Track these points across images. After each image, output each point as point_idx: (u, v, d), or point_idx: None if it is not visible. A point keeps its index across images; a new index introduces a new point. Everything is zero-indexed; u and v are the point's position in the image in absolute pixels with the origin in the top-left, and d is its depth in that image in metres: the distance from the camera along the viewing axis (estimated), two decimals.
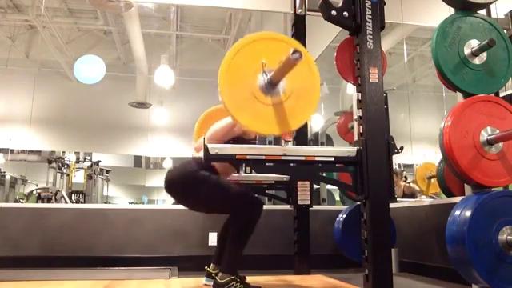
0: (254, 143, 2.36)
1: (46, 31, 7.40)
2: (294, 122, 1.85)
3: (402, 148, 2.55)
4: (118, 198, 10.91)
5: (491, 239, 1.80)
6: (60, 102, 8.25)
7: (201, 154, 2.21)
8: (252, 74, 1.81)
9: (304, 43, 3.10)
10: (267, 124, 1.80)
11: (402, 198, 4.64)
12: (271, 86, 1.81)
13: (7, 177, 7.59)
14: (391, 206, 2.01)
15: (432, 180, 4.04)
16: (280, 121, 1.81)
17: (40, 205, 5.27)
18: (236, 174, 2.44)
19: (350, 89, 4.77)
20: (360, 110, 2.07)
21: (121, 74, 8.24)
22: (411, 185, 4.61)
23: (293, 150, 2.00)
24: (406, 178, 4.77)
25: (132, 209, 3.95)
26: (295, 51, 1.62)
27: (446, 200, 2.96)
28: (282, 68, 1.72)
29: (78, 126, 8.26)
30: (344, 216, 3.12)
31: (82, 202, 7.58)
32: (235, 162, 2.13)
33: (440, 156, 2.56)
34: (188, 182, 2.10)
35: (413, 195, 4.65)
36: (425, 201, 3.49)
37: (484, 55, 2.14)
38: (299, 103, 1.86)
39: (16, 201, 7.17)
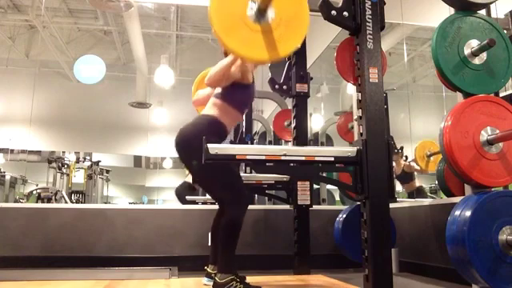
0: (253, 87, 2.39)
1: (45, 31, 7.40)
2: (283, 49, 1.88)
3: (401, 148, 2.55)
4: (118, 198, 10.91)
5: (491, 239, 1.80)
6: (60, 102, 8.26)
7: (208, 111, 2.28)
8: (242, 2, 1.85)
9: (304, 43, 3.10)
10: (256, 49, 1.83)
11: (401, 175, 4.66)
12: (260, 14, 1.85)
13: (7, 177, 7.59)
14: (391, 206, 2.00)
15: (431, 158, 4.03)
16: (269, 47, 1.84)
17: (40, 205, 5.27)
18: None
19: (350, 89, 4.78)
20: (360, 110, 2.07)
21: (121, 74, 8.24)
22: (411, 163, 4.61)
23: (293, 150, 2.00)
24: (406, 157, 4.76)
25: (132, 209, 3.95)
26: None
27: (446, 200, 2.96)
28: None
29: (77, 126, 8.27)
30: (344, 216, 3.12)
31: (81, 202, 7.59)
32: (239, 92, 2.28)
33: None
34: (197, 145, 2.03)
35: (411, 174, 4.65)
36: (425, 201, 3.48)
37: (484, 55, 2.14)
38: (288, 30, 1.89)
39: (16, 201, 7.17)
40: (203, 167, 2.10)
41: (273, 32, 1.86)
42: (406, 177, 4.71)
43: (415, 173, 4.68)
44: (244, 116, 3.71)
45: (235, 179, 2.24)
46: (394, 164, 2.48)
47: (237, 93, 2.29)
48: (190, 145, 2.10)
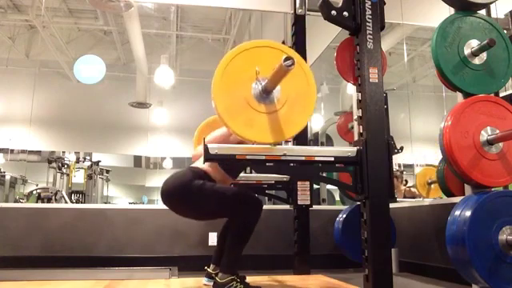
0: None
1: (45, 31, 7.40)
2: (288, 131, 1.84)
3: (401, 148, 2.55)
4: (118, 198, 10.91)
5: (491, 239, 1.80)
6: (60, 101, 8.25)
7: (197, 164, 2.21)
8: (246, 82, 1.80)
9: (304, 43, 3.10)
10: (260, 132, 1.78)
11: None
12: (265, 94, 1.80)
13: (7, 177, 7.58)
14: (391, 206, 2.00)
15: (432, 186, 4.04)
16: (274, 129, 1.79)
17: (40, 205, 5.27)
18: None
19: (350, 89, 4.77)
20: (360, 110, 2.07)
21: (121, 74, 8.24)
22: (412, 189, 4.61)
23: (293, 150, 2.00)
24: (406, 181, 4.76)
25: (132, 209, 3.95)
26: (287, 58, 1.61)
27: (446, 200, 2.96)
28: (275, 75, 1.70)
29: (78, 126, 8.26)
30: (344, 216, 3.12)
31: (81, 202, 7.59)
32: (234, 162, 2.11)
33: (440, 157, 2.56)
34: (183, 193, 2.07)
35: (413, 198, 4.64)
36: (425, 201, 3.49)
37: (484, 55, 2.14)
38: (294, 111, 1.84)
39: (16, 201, 7.16)
40: (196, 208, 2.10)
41: (278, 112, 1.81)
42: None
43: (417, 197, 4.67)
44: None
45: (234, 193, 2.15)
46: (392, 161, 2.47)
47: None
48: (179, 190, 2.08)
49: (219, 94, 1.77)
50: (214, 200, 2.09)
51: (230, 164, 2.21)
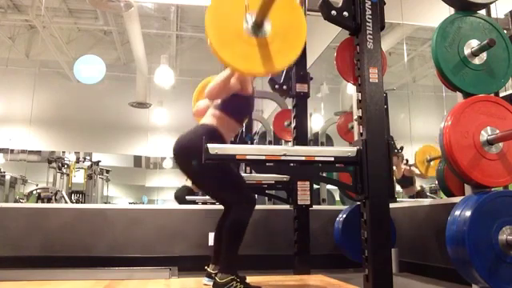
0: (252, 98, 2.39)
1: (45, 31, 7.40)
2: (279, 62, 1.88)
3: (402, 148, 2.55)
4: (118, 198, 10.91)
5: (491, 239, 1.80)
6: (60, 102, 8.26)
7: (205, 120, 2.28)
8: (238, 16, 1.85)
9: (304, 43, 3.10)
10: (252, 62, 1.83)
11: (402, 179, 4.66)
12: (256, 27, 1.85)
13: (7, 177, 7.58)
14: (391, 205, 2.00)
15: (431, 163, 4.04)
16: (265, 60, 1.84)
17: (40, 205, 5.27)
18: None
19: (350, 89, 4.78)
20: (360, 110, 2.07)
21: (121, 74, 8.24)
22: (412, 168, 4.60)
23: (293, 150, 2.00)
24: (407, 160, 4.75)
25: (132, 209, 3.95)
26: None
27: (446, 200, 2.96)
28: (263, 3, 1.74)
29: (78, 126, 8.27)
30: (344, 216, 3.12)
31: (81, 202, 7.59)
32: (237, 103, 2.27)
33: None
34: (191, 157, 2.09)
35: (412, 178, 4.66)
36: (425, 201, 3.48)
37: (484, 55, 2.14)
38: (285, 44, 1.89)
39: (16, 201, 7.17)
40: (203, 171, 2.12)
41: (269, 45, 1.86)
42: (407, 181, 4.71)
43: (415, 177, 4.68)
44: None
45: (236, 179, 2.24)
46: (394, 168, 2.47)
47: (236, 104, 2.29)
48: (189, 152, 2.11)
49: (212, 29, 1.82)
50: (216, 177, 2.15)
51: (235, 109, 2.28)
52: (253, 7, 1.84)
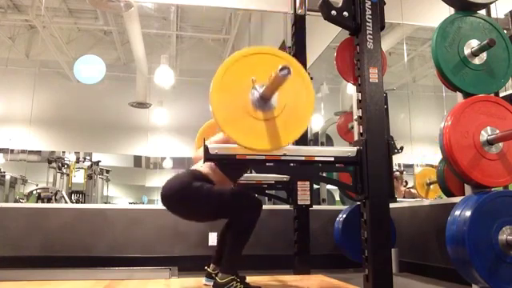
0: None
1: (45, 31, 7.40)
2: (286, 137, 1.82)
3: (402, 148, 2.55)
4: (118, 198, 10.91)
5: (491, 239, 1.80)
6: (60, 101, 8.25)
7: (196, 167, 2.22)
8: (244, 90, 1.79)
9: (304, 43, 3.10)
10: (258, 139, 1.77)
11: None
12: (263, 101, 1.79)
13: (7, 177, 7.58)
14: (391, 206, 2.00)
15: (431, 186, 4.06)
16: (272, 136, 1.78)
17: (40, 205, 5.27)
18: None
19: (350, 89, 4.77)
20: (360, 110, 2.07)
21: (121, 74, 8.24)
22: (411, 190, 4.61)
23: (293, 150, 2.00)
24: (406, 182, 4.77)
25: (132, 209, 3.95)
26: (283, 68, 1.59)
27: (446, 200, 2.96)
28: (272, 84, 1.70)
29: (78, 126, 8.26)
30: (344, 216, 3.12)
31: (81, 202, 7.59)
32: (234, 165, 2.16)
33: (440, 156, 2.55)
34: (182, 195, 2.08)
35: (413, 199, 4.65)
36: (425, 201, 3.48)
37: (484, 55, 2.14)
38: (292, 118, 1.83)
39: (16, 201, 7.16)
40: (196, 210, 2.11)
41: (276, 119, 1.80)
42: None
43: (417, 198, 4.68)
44: None
45: (233, 193, 2.17)
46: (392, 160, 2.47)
47: (234, 164, 2.21)
48: (177, 197, 2.09)
49: (217, 103, 1.76)
50: (212, 201, 2.09)
51: (230, 168, 2.21)
52: (260, 77, 1.77)
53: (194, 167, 2.27)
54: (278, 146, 1.82)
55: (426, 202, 3.12)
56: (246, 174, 3.22)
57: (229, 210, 2.14)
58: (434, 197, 3.98)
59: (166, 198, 2.14)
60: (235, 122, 1.76)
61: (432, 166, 4.53)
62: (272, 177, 3.01)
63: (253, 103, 1.79)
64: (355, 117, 2.49)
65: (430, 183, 4.08)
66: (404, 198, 4.62)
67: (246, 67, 1.83)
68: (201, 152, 2.34)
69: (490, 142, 1.99)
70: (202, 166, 2.18)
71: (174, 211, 2.17)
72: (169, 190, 2.13)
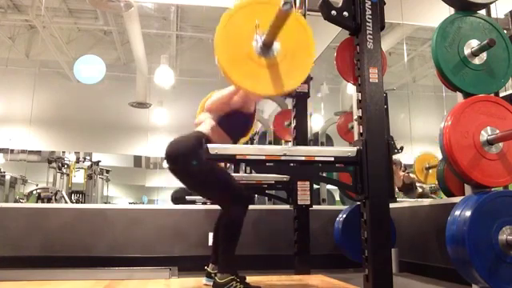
0: (252, 118, 2.39)
1: (45, 31, 7.40)
2: (288, 83, 1.86)
3: (402, 148, 2.55)
4: (118, 198, 10.91)
5: (491, 239, 1.80)
6: (60, 101, 8.25)
7: (200, 128, 2.26)
8: (247, 36, 1.83)
9: None
10: (261, 84, 1.82)
11: (402, 187, 4.67)
12: (265, 48, 1.83)
13: (7, 177, 7.58)
14: (391, 205, 2.00)
15: (430, 170, 4.05)
16: (274, 81, 1.83)
17: (40, 205, 5.27)
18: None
19: (350, 89, 4.78)
20: (360, 110, 2.07)
21: (121, 74, 8.24)
22: (410, 175, 4.62)
23: (293, 150, 2.00)
24: (405, 167, 4.77)
25: (132, 209, 3.95)
26: (285, 2, 1.63)
27: (446, 200, 2.96)
28: (275, 24, 1.73)
29: (78, 126, 8.26)
30: (344, 216, 3.12)
31: (81, 202, 7.59)
32: (235, 120, 2.27)
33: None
34: (184, 161, 2.10)
35: (412, 184, 4.67)
36: (425, 201, 3.48)
37: (484, 55, 2.14)
38: (293, 64, 1.87)
39: (16, 201, 7.16)
40: (195, 174, 2.12)
41: (278, 65, 1.84)
42: (408, 188, 4.72)
43: (416, 183, 4.69)
44: None
45: (230, 179, 2.23)
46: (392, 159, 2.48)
47: (234, 121, 2.28)
48: (180, 154, 2.11)
49: (221, 48, 1.80)
50: (208, 184, 2.15)
51: (231, 125, 2.27)
52: (263, 27, 1.82)
53: (197, 128, 2.30)
54: (281, 91, 1.86)
55: (426, 202, 3.12)
56: (246, 174, 3.23)
57: (218, 198, 2.24)
58: (434, 182, 3.97)
59: (168, 159, 2.17)
60: (239, 67, 1.80)
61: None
62: (272, 177, 3.01)
63: (256, 50, 1.83)
64: (355, 117, 2.49)
65: (429, 167, 4.07)
66: (403, 183, 4.64)
67: (250, 15, 1.87)
68: (201, 117, 2.43)
69: (490, 142, 1.99)
70: (205, 128, 2.24)
71: (174, 173, 2.19)
72: (173, 152, 2.15)
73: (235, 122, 2.29)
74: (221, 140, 2.24)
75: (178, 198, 5.12)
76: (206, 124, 2.28)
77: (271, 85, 1.82)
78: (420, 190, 4.82)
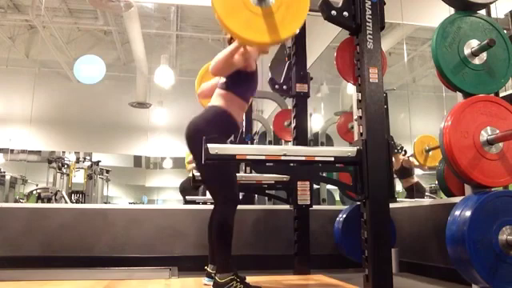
0: (256, 75, 2.39)
1: (46, 31, 7.41)
2: (283, 31, 1.89)
3: (402, 148, 2.55)
4: (118, 198, 10.91)
5: (491, 239, 1.80)
6: (60, 101, 8.26)
7: (214, 102, 2.29)
8: None
9: (304, 43, 3.11)
10: (257, 32, 1.85)
11: (400, 170, 4.67)
12: None
13: (7, 177, 7.58)
14: (391, 206, 2.00)
15: (430, 153, 4.03)
16: (270, 30, 1.87)
17: (40, 205, 5.27)
18: None
19: (350, 89, 4.78)
20: (360, 110, 2.07)
21: (121, 74, 8.25)
22: (410, 159, 4.61)
23: (293, 150, 2.00)
24: (405, 151, 4.76)
25: (132, 209, 3.95)
26: None
27: (446, 200, 2.96)
28: None
29: (78, 126, 8.27)
30: (344, 216, 3.12)
31: (82, 202, 7.59)
32: (243, 80, 2.28)
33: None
34: (193, 149, 2.13)
35: (411, 169, 4.66)
36: (425, 201, 3.49)
37: (484, 55, 2.14)
38: (289, 13, 1.91)
39: (16, 201, 7.17)
40: (201, 166, 2.13)
41: (274, 15, 1.88)
42: (405, 172, 4.72)
43: (414, 168, 4.69)
44: (244, 115, 3.68)
45: (232, 179, 2.22)
46: (392, 159, 2.48)
47: (241, 81, 2.29)
48: (201, 136, 2.07)
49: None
50: (209, 173, 2.19)
51: (240, 87, 2.29)
52: None
53: (212, 103, 2.31)
54: (277, 40, 1.92)
55: (426, 202, 3.12)
56: (246, 174, 3.23)
57: (211, 190, 2.28)
58: (434, 164, 3.92)
59: (189, 137, 2.20)
60: (235, 15, 1.84)
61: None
62: (272, 177, 3.01)
63: None
64: (355, 117, 2.50)
65: (429, 150, 4.04)
66: (402, 166, 4.62)
67: None
68: (205, 85, 2.53)
69: (490, 142, 1.99)
70: (217, 96, 2.28)
71: (194, 150, 2.18)
72: (191, 131, 2.19)
73: (242, 82, 2.29)
74: (236, 105, 2.26)
75: (186, 188, 5.13)
76: (216, 96, 2.30)
77: (267, 33, 1.86)
78: (416, 179, 4.81)
